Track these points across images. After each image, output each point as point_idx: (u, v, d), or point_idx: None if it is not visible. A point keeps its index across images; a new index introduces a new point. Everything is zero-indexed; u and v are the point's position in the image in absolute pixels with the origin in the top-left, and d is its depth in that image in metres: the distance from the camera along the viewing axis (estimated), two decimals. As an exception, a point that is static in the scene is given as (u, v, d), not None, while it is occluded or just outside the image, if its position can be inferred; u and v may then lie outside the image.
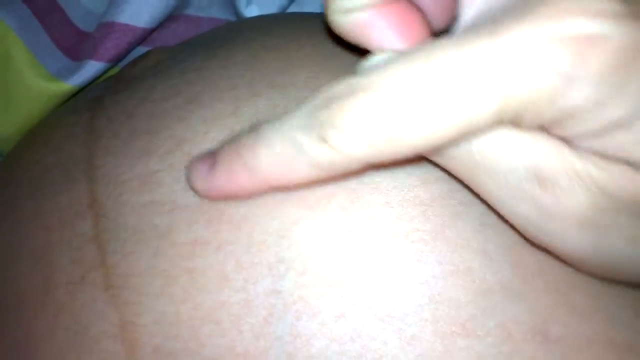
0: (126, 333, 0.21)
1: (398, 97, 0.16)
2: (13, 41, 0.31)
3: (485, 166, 0.17)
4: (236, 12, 0.36)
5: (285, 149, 0.18)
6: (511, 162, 0.17)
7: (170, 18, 0.34)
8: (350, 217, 0.21)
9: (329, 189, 0.21)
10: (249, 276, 0.20)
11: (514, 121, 0.16)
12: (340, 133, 0.17)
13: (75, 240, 0.23)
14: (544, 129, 0.16)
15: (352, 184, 0.21)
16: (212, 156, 0.21)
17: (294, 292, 0.20)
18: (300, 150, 0.18)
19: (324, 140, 0.17)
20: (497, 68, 0.15)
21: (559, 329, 0.19)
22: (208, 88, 0.25)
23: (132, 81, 0.28)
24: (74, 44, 0.33)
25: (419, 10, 0.20)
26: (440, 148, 0.18)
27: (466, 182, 0.19)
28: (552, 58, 0.15)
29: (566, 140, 0.16)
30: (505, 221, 0.20)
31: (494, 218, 0.21)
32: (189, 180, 0.22)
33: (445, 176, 0.22)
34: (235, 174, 0.20)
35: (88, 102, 0.29)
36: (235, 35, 0.29)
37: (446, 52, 0.16)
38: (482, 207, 0.21)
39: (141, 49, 0.34)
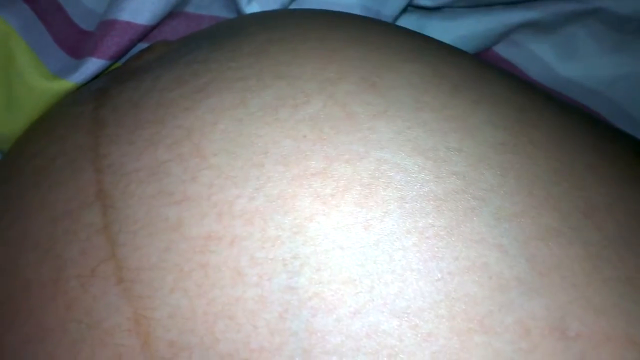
0: (140, 327, 0.21)
1: None
2: (15, 41, 0.31)
3: None
4: (237, 10, 0.35)
5: None
6: None
7: (170, 15, 0.34)
8: (364, 212, 0.21)
9: (343, 183, 0.21)
10: (264, 272, 0.20)
11: None
12: None
13: (83, 231, 0.23)
14: None
15: (366, 179, 0.21)
16: None
17: (309, 289, 0.20)
18: None
19: None
20: None
21: (577, 326, 0.19)
22: (215, 79, 0.25)
23: (137, 72, 0.28)
24: (76, 42, 0.33)
25: None
26: None
27: None
28: None
29: None
30: (521, 214, 0.20)
31: (509, 212, 0.21)
32: None
33: (459, 170, 0.22)
34: None
35: (93, 92, 0.28)
36: (240, 29, 0.29)
37: None
38: (497, 201, 0.21)
39: (142, 46, 0.34)
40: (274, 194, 0.21)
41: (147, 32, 0.33)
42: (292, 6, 0.37)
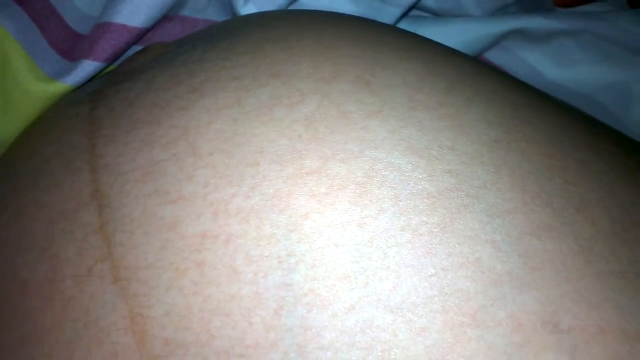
0: (136, 325, 0.21)
1: None
2: (10, 44, 0.31)
3: None
4: (233, 12, 0.36)
5: None
6: None
7: (165, 18, 0.35)
8: (359, 210, 0.21)
9: (337, 182, 0.21)
10: (259, 269, 0.20)
11: None
12: None
13: (79, 231, 0.23)
14: None
15: (360, 177, 0.21)
16: None
17: (304, 285, 0.20)
18: None
19: None
20: None
21: (569, 319, 0.19)
22: (210, 78, 0.25)
23: (133, 73, 0.28)
24: (70, 45, 0.33)
25: None
26: None
27: None
28: None
29: None
30: (514, 211, 0.20)
31: (502, 208, 0.21)
32: None
33: (452, 168, 0.22)
34: None
35: (88, 94, 0.29)
36: (235, 29, 0.29)
37: None
38: (490, 198, 0.21)
39: (137, 49, 0.34)
40: (269, 193, 0.21)
41: (142, 34, 0.33)
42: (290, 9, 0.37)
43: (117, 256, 0.22)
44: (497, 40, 0.39)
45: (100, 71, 0.33)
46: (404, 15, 0.39)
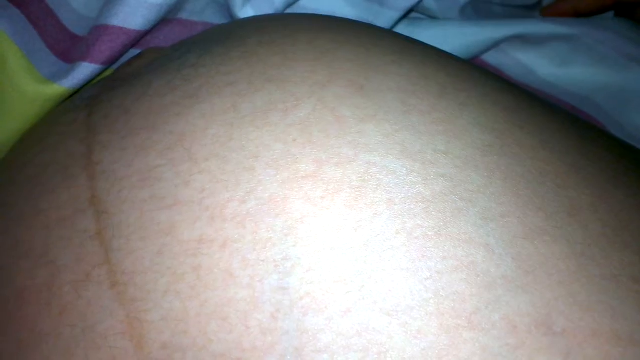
0: (134, 330, 0.21)
1: None
2: (8, 46, 0.31)
3: None
4: (230, 15, 0.36)
5: None
6: None
7: (163, 22, 0.34)
8: (354, 214, 0.21)
9: (333, 186, 0.22)
10: (255, 273, 0.21)
11: None
12: None
13: (77, 237, 0.23)
14: None
15: (355, 181, 0.22)
16: None
17: (300, 289, 0.20)
18: None
19: None
20: None
21: (563, 322, 0.19)
22: (205, 84, 0.25)
23: (129, 78, 0.28)
24: (68, 47, 0.33)
25: None
26: None
27: None
28: None
29: None
30: (507, 214, 0.21)
31: (495, 212, 0.21)
32: None
33: (446, 172, 0.22)
34: None
35: (84, 100, 0.29)
36: (230, 33, 0.29)
37: None
38: (483, 202, 0.21)
39: (134, 52, 0.34)
40: (265, 197, 0.22)
41: (139, 37, 0.33)
42: (287, 12, 0.37)
43: (115, 261, 0.22)
44: (496, 44, 0.40)
45: (98, 74, 0.33)
46: (402, 17, 0.39)
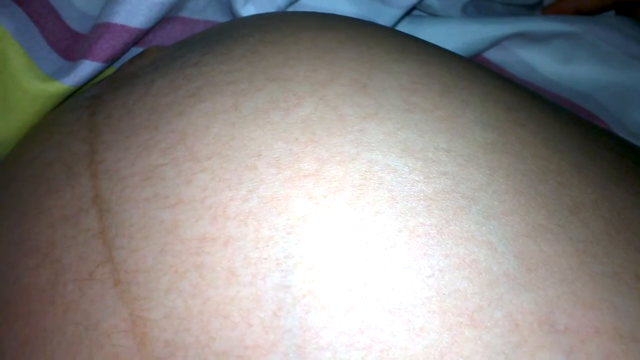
0: (137, 328, 0.21)
1: None
2: (9, 44, 0.31)
3: None
4: (232, 13, 0.36)
5: None
6: None
7: (165, 20, 0.34)
8: (356, 212, 0.21)
9: (335, 184, 0.22)
10: (258, 271, 0.21)
11: None
12: None
13: (80, 236, 0.23)
14: None
15: (357, 180, 0.22)
16: None
17: (302, 287, 0.20)
18: None
19: None
20: None
21: (565, 319, 0.19)
22: (207, 83, 0.25)
23: (131, 77, 0.28)
24: (69, 45, 0.33)
25: None
26: None
27: None
28: None
29: None
30: (509, 212, 0.21)
31: (498, 210, 0.21)
32: None
33: (448, 170, 0.22)
34: None
35: (87, 99, 0.29)
36: (232, 32, 0.29)
37: None
38: (485, 200, 0.21)
39: (136, 50, 0.34)
40: (267, 196, 0.22)
41: (141, 35, 0.33)
42: (289, 10, 0.37)
43: (118, 260, 0.22)
44: (498, 42, 0.40)
45: (100, 72, 0.33)
46: (404, 16, 0.39)
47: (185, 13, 0.35)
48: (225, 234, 0.21)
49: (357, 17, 0.37)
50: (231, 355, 0.20)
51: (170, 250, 0.22)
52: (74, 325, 0.22)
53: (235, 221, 0.21)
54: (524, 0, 0.42)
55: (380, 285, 0.20)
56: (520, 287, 0.20)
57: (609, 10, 0.44)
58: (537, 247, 0.21)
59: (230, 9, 0.36)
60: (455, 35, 0.39)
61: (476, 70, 0.27)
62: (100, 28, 0.32)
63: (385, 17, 0.37)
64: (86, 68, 0.32)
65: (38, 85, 0.31)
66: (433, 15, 0.40)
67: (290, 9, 0.37)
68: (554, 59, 0.40)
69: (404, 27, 0.40)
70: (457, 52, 0.39)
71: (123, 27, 0.32)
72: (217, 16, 0.37)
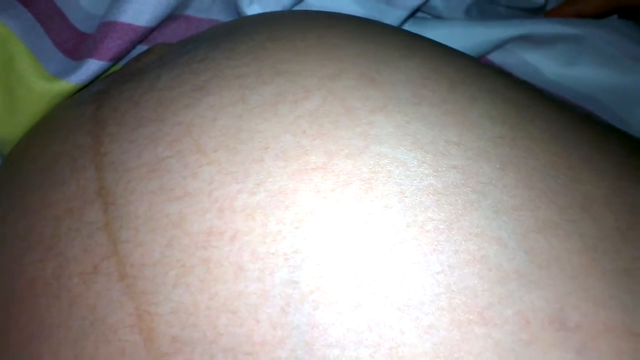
0: (143, 323, 0.21)
1: None
2: (15, 44, 0.31)
3: None
4: (238, 12, 0.36)
5: None
6: None
7: (170, 18, 0.35)
8: (365, 207, 0.21)
9: (343, 178, 0.21)
10: (265, 266, 0.20)
11: None
12: None
13: (85, 229, 0.23)
14: None
15: (365, 173, 0.21)
16: None
17: (310, 282, 0.20)
18: None
19: None
20: None
21: (576, 317, 0.19)
22: (214, 77, 0.25)
23: (137, 73, 0.28)
24: (75, 45, 0.33)
25: None
26: None
27: None
28: None
29: None
30: (520, 208, 0.20)
31: (508, 205, 0.21)
32: None
33: (458, 164, 0.22)
34: None
35: (93, 94, 0.29)
36: (239, 29, 0.29)
37: None
38: (496, 195, 0.21)
39: (141, 48, 0.34)
40: (274, 189, 0.21)
41: (147, 33, 0.33)
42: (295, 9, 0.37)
43: (123, 254, 0.22)
44: (502, 44, 0.39)
45: (105, 70, 0.33)
46: (409, 17, 0.39)
47: (190, 11, 0.35)
48: (232, 227, 0.21)
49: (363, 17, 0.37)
50: (239, 351, 0.20)
51: (176, 244, 0.21)
52: (80, 319, 0.22)
53: (242, 215, 0.21)
54: (528, 4, 0.42)
55: (389, 282, 0.20)
56: (531, 284, 0.20)
57: (612, 14, 0.44)
58: (548, 243, 0.20)
59: (235, 8, 0.36)
60: (459, 37, 0.38)
61: (483, 68, 0.27)
62: (107, 27, 0.32)
63: (390, 18, 0.37)
64: (92, 67, 0.32)
65: (44, 85, 0.31)
66: (437, 17, 0.40)
67: (296, 9, 0.37)
68: (558, 61, 0.40)
69: (408, 29, 0.40)
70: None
71: (129, 25, 0.32)
72: (222, 15, 0.36)
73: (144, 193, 0.23)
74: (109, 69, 0.33)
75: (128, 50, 0.33)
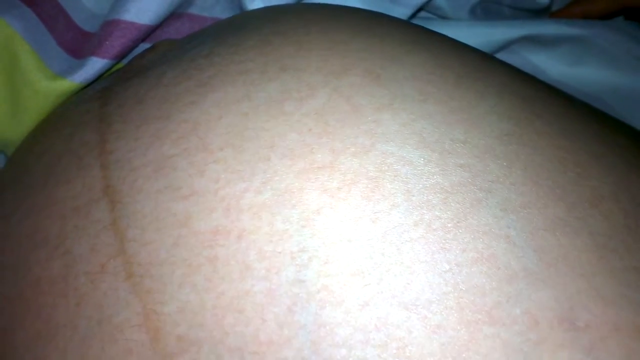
0: (150, 322, 0.21)
1: None
2: (19, 44, 0.31)
3: None
4: (241, 10, 0.36)
5: None
6: None
7: (174, 16, 0.35)
8: (372, 205, 0.21)
9: (349, 176, 0.21)
10: (272, 265, 0.20)
11: None
12: None
13: (91, 227, 0.23)
14: None
15: (372, 172, 0.21)
16: None
17: (317, 281, 0.20)
18: None
19: None
20: None
21: (586, 316, 0.19)
22: (219, 72, 0.25)
23: (142, 69, 0.28)
24: (79, 44, 0.34)
25: None
26: None
27: None
28: None
29: None
30: (528, 205, 0.20)
31: (515, 203, 0.21)
32: None
33: (465, 162, 0.22)
34: None
35: (98, 91, 0.29)
36: (242, 24, 0.29)
37: None
38: (503, 193, 0.21)
39: (144, 46, 0.34)
40: (281, 188, 0.21)
41: (150, 32, 0.33)
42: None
43: (130, 252, 0.22)
44: (507, 45, 0.39)
45: (109, 68, 0.33)
46: (414, 15, 0.39)
47: (193, 10, 0.36)
48: (238, 226, 0.21)
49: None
50: (245, 351, 0.20)
51: (183, 243, 0.21)
52: (87, 319, 0.22)
53: (249, 214, 0.21)
54: (532, 4, 0.41)
55: (396, 281, 0.20)
56: (539, 283, 0.19)
57: (618, 16, 0.44)
58: (557, 241, 0.20)
59: (239, 6, 0.36)
60: (463, 38, 0.38)
61: (490, 61, 0.27)
62: (110, 25, 0.32)
63: (394, 15, 0.37)
64: (96, 65, 0.32)
65: (48, 84, 0.31)
66: (441, 17, 0.40)
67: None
68: (562, 61, 0.40)
69: None
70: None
71: (133, 24, 0.32)
72: (225, 13, 0.37)
73: (151, 192, 0.23)
74: (112, 67, 0.33)
75: (131, 49, 0.33)
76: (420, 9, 0.38)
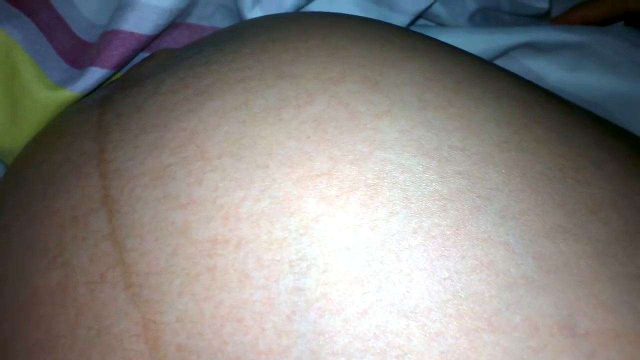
0: (149, 332, 0.21)
1: None
2: (19, 54, 0.31)
3: None
4: (240, 19, 0.36)
5: None
6: None
7: (172, 26, 0.35)
8: (370, 213, 0.21)
9: (348, 184, 0.21)
10: (271, 274, 0.20)
11: None
12: None
13: (90, 237, 0.23)
14: None
15: (371, 179, 0.21)
16: None
17: (316, 290, 0.20)
18: None
19: None
20: None
21: (586, 323, 0.19)
22: (217, 81, 0.25)
23: (140, 78, 0.28)
24: (78, 54, 0.34)
25: None
26: None
27: None
28: None
29: None
30: (527, 212, 0.20)
31: (514, 210, 0.21)
32: None
33: (463, 170, 0.21)
34: None
35: (97, 100, 0.29)
36: (241, 32, 0.29)
37: None
38: (502, 200, 0.21)
39: (143, 55, 0.34)
40: (279, 196, 0.21)
41: (149, 41, 0.33)
42: None
43: (129, 262, 0.22)
44: (506, 52, 0.39)
45: (108, 78, 0.33)
46: (412, 23, 0.39)
47: (192, 19, 0.36)
48: (237, 235, 0.21)
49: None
50: None
51: (181, 252, 0.21)
52: (86, 329, 0.22)
53: (247, 222, 0.21)
54: (532, 11, 0.41)
55: (395, 289, 0.20)
56: (539, 290, 0.19)
57: (618, 21, 0.44)
58: (556, 248, 0.20)
59: (238, 16, 0.36)
60: (462, 45, 0.38)
61: (489, 67, 0.27)
62: (109, 35, 0.32)
63: (393, 22, 0.37)
64: (95, 75, 0.32)
65: (47, 94, 0.31)
66: (440, 25, 0.40)
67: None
68: (561, 67, 0.39)
69: None
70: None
71: (132, 34, 0.32)
72: (224, 22, 0.37)
73: (149, 201, 0.23)
74: (111, 76, 0.33)
75: (130, 58, 0.33)
76: (419, 16, 0.38)
